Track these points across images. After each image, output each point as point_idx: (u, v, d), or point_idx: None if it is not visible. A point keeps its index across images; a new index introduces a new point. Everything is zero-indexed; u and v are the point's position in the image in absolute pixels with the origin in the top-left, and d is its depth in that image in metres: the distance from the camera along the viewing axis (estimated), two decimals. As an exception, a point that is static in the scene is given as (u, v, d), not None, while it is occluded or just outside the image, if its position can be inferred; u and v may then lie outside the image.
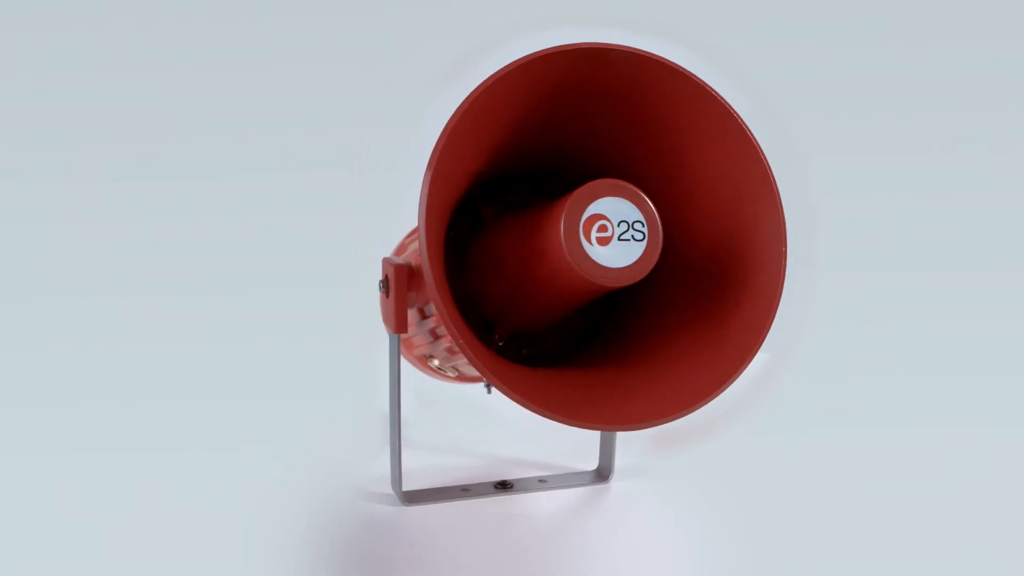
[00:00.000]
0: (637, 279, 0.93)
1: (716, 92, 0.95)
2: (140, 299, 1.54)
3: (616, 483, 1.18)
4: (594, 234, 0.92)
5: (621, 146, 0.99)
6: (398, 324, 1.09)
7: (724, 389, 0.93)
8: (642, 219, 0.93)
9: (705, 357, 0.96)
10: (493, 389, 1.17)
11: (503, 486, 1.17)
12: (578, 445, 1.21)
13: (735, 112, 0.95)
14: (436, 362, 1.18)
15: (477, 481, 1.18)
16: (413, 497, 1.14)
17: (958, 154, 1.55)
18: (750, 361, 0.94)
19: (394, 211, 1.19)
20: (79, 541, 1.05)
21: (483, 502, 1.15)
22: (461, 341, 0.88)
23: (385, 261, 1.11)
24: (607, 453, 1.19)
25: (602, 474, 1.19)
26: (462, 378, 1.21)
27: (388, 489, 1.15)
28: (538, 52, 0.90)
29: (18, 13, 1.58)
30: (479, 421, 1.30)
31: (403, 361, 1.24)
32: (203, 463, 1.21)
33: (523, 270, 0.98)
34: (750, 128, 0.95)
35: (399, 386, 1.12)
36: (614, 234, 0.92)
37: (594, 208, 0.92)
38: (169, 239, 1.59)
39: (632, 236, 0.93)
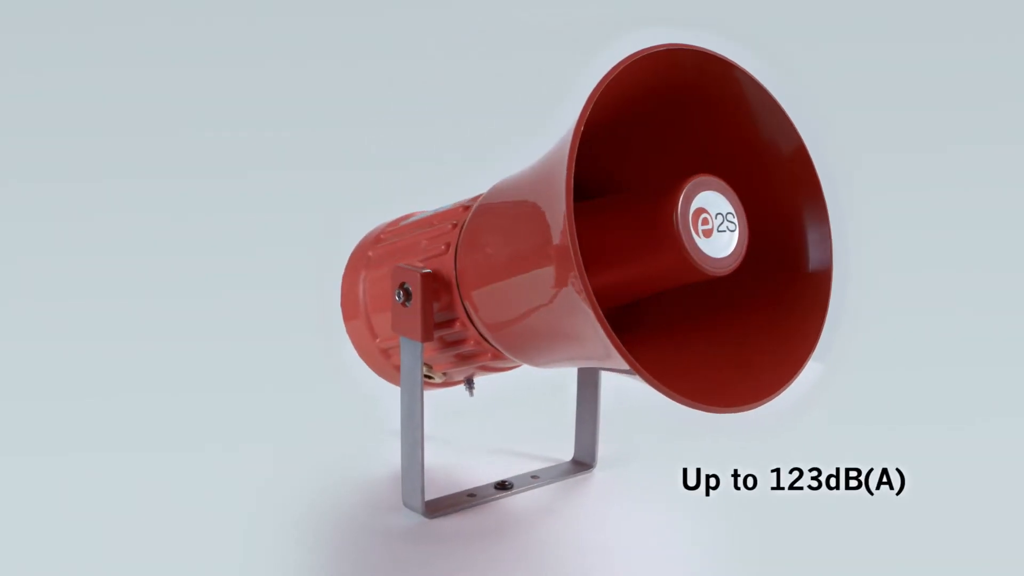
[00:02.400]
0: (735, 267, 0.97)
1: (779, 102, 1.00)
2: (140, 299, 1.51)
3: (600, 471, 1.21)
4: (700, 227, 0.95)
5: (685, 148, 1.03)
6: (425, 332, 1.07)
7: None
8: (733, 211, 0.97)
9: (770, 346, 1.01)
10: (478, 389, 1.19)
11: (503, 487, 1.17)
12: (550, 437, 1.25)
13: (796, 127, 1.00)
14: (424, 368, 1.16)
15: (474, 484, 1.17)
16: (432, 507, 1.12)
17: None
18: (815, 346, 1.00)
19: (392, 211, 1.18)
20: (79, 541, 1.05)
21: (490, 505, 1.14)
22: (618, 343, 0.87)
23: (399, 269, 1.08)
24: (587, 442, 1.22)
25: (586, 463, 1.22)
26: (447, 383, 1.19)
27: (395, 497, 1.13)
28: (656, 47, 0.92)
29: (18, 13, 1.44)
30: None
31: (372, 372, 1.21)
32: (203, 463, 1.19)
33: (619, 265, 0.98)
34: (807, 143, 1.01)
35: (422, 397, 1.09)
36: (714, 226, 0.96)
37: (697, 202, 0.95)
38: (169, 239, 1.56)
39: (727, 227, 0.97)
